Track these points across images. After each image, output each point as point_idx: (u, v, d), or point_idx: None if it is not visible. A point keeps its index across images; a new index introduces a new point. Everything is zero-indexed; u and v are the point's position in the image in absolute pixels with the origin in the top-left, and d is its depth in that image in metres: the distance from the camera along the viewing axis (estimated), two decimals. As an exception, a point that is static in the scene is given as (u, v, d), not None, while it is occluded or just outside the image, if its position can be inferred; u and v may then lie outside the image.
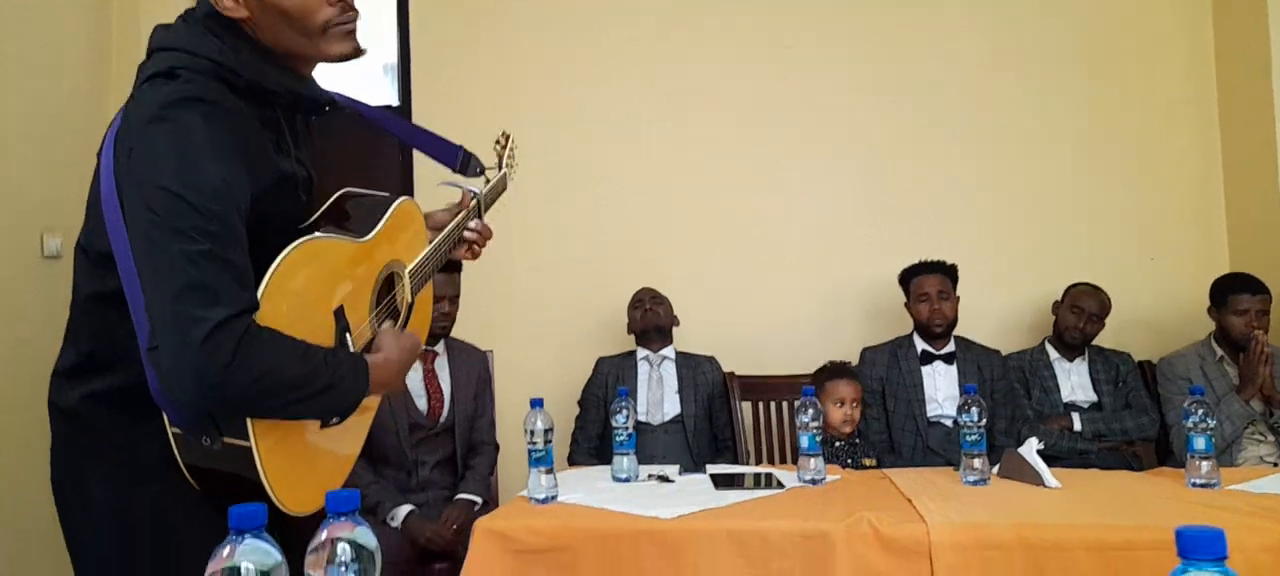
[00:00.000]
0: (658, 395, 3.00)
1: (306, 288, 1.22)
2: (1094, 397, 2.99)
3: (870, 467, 2.59)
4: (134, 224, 1.09)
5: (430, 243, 1.57)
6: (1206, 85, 3.35)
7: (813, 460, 2.18)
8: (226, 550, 0.77)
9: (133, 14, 3.29)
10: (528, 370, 3.38)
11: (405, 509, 2.57)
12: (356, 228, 1.39)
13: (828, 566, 1.71)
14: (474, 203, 1.69)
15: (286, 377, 1.11)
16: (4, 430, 2.74)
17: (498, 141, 1.91)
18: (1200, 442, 2.02)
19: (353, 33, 1.30)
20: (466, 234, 1.65)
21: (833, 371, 2.75)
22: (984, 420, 2.12)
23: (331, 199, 1.43)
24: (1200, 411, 2.01)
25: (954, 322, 2.99)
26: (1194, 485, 2.02)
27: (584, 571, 1.79)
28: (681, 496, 2.06)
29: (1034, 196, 3.38)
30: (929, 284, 2.99)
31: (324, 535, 0.82)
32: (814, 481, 2.16)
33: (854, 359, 3.10)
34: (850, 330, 3.33)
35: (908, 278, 3.06)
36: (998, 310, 3.33)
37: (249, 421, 1.12)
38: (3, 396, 2.75)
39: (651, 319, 3.03)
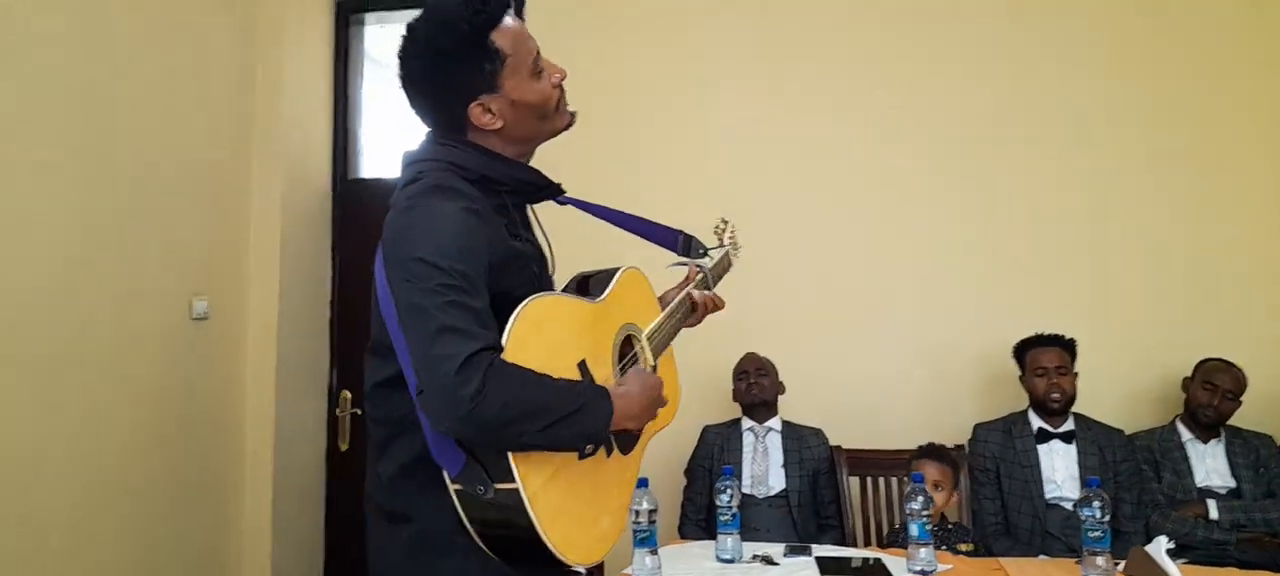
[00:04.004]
0: (763, 468, 2.98)
1: (548, 340, 1.32)
2: (1232, 483, 2.80)
3: (967, 553, 2.48)
4: (399, 296, 1.26)
5: (663, 311, 1.69)
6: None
7: (923, 549, 2.14)
8: None
9: (276, 86, 3.49)
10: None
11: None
12: (589, 292, 1.53)
13: (937, 671, 1.67)
14: (701, 276, 1.82)
15: (534, 403, 1.21)
16: (153, 485, 2.95)
17: (717, 226, 2.04)
18: (1351, 549, 1.88)
19: (567, 105, 1.49)
20: (696, 294, 1.76)
21: (920, 451, 2.71)
22: (1107, 515, 2.02)
23: (570, 279, 1.60)
24: (1350, 515, 1.87)
25: (1072, 399, 2.87)
26: (1345, 595, 1.88)
27: (687, 661, 1.79)
28: (786, 583, 2.05)
29: (1163, 263, 3.20)
30: (1046, 358, 2.88)
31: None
32: (924, 572, 2.11)
33: (967, 434, 3.01)
34: (964, 404, 3.22)
35: (1022, 351, 2.96)
36: (1121, 386, 3.17)
37: (512, 461, 1.22)
38: (155, 452, 2.96)
39: (757, 393, 3.02)
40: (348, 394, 3.65)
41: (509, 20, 1.39)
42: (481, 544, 1.29)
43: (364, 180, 3.86)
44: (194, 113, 3.17)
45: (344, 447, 3.65)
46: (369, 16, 3.92)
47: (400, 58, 1.39)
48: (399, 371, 1.29)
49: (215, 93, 3.29)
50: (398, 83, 1.42)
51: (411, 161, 1.41)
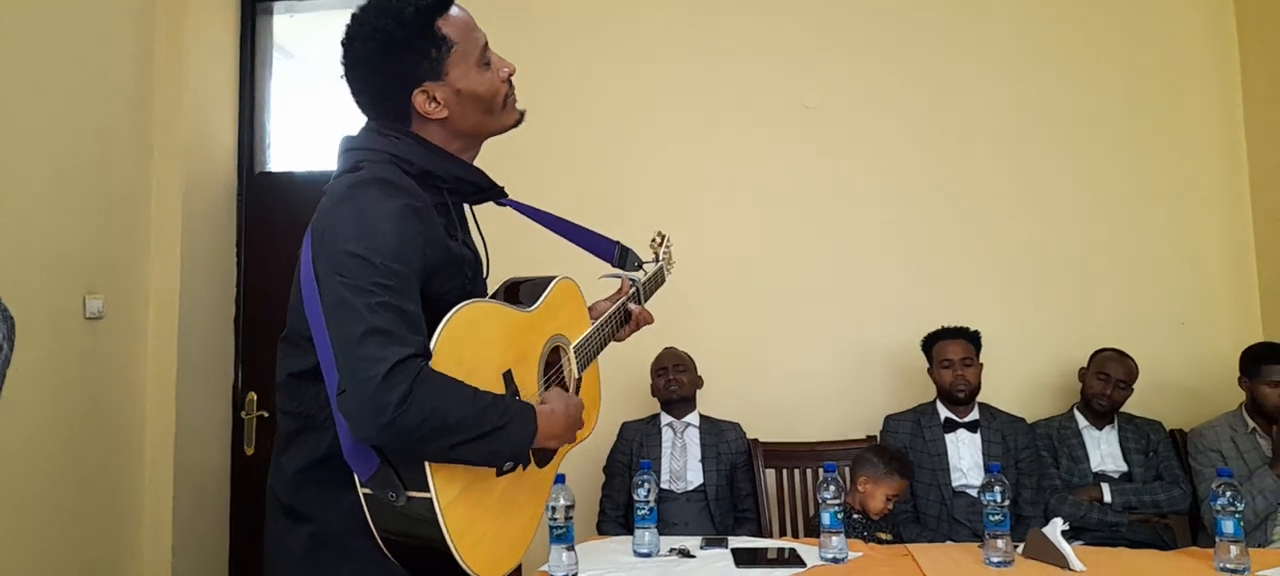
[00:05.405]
0: (681, 464, 3.00)
1: (475, 349, 1.29)
2: (1124, 467, 2.94)
3: (886, 542, 2.55)
4: (326, 289, 1.21)
5: (593, 324, 1.67)
6: (1238, 152, 3.33)
7: (835, 537, 2.18)
8: None
9: (177, 76, 3.36)
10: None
11: None
12: (522, 301, 1.50)
13: (847, 655, 1.70)
14: (634, 289, 1.81)
15: (459, 416, 1.17)
16: (44, 495, 2.80)
17: (654, 240, 2.03)
18: (1228, 526, 1.99)
19: (516, 102, 1.47)
20: (631, 307, 1.76)
21: (896, 465, 2.60)
22: (1007, 500, 2.10)
23: (501, 284, 1.57)
24: (1228, 494, 1.98)
25: (977, 389, 2.97)
26: (1223, 569, 1.99)
27: (603, 655, 1.79)
28: (701, 574, 2.06)
29: (1062, 260, 3.36)
30: (952, 350, 2.98)
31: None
32: (836, 559, 2.15)
33: (878, 425, 3.09)
34: (877, 396, 3.31)
35: (930, 344, 3.05)
36: (1025, 377, 3.30)
37: (428, 470, 1.18)
38: (47, 458, 2.81)
39: (676, 389, 3.03)
40: (254, 395, 3.53)
41: (455, 10, 1.37)
42: (386, 550, 1.26)
43: (272, 174, 3.73)
44: (88, 102, 3.02)
45: (250, 452, 3.53)
46: (278, 5, 3.79)
47: (345, 43, 1.36)
48: (316, 364, 1.24)
49: (112, 81, 3.14)
50: (341, 69, 1.38)
51: (350, 149, 1.38)
